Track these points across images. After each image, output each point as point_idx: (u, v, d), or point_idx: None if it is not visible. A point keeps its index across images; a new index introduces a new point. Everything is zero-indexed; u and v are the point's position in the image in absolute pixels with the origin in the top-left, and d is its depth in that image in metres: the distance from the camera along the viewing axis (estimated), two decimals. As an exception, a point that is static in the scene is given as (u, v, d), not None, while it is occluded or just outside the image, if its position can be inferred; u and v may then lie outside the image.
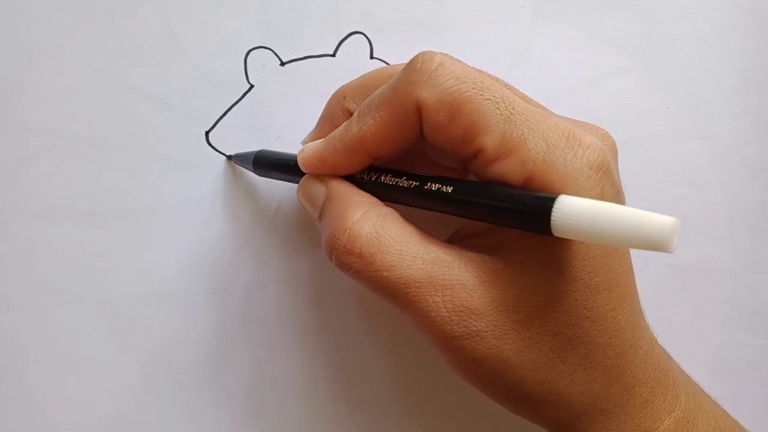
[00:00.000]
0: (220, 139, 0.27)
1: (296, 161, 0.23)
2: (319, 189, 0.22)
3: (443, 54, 0.20)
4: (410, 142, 0.20)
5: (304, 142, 0.24)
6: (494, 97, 0.19)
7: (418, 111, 0.19)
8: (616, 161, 0.21)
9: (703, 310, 0.29)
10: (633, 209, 0.15)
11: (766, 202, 0.29)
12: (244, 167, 0.27)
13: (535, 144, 0.18)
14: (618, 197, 0.20)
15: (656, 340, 0.21)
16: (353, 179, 0.22)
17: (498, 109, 0.19)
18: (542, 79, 0.28)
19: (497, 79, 0.21)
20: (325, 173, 0.22)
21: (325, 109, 0.24)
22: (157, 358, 0.27)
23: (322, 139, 0.22)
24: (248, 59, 0.27)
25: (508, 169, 0.18)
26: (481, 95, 0.19)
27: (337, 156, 0.21)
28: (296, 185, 0.24)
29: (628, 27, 0.29)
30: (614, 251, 0.19)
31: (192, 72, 0.27)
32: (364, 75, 0.23)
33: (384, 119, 0.20)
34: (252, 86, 0.27)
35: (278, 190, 0.27)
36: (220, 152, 0.27)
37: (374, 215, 0.20)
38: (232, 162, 0.27)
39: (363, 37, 0.28)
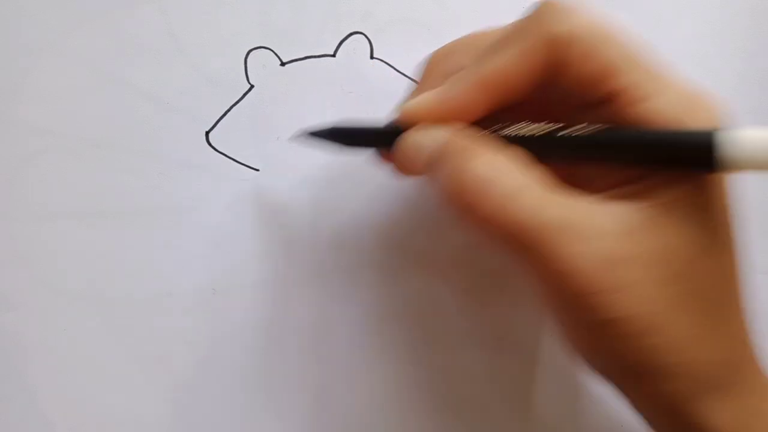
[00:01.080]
0: (220, 139, 0.27)
1: (390, 124, 0.21)
2: (435, 135, 0.20)
3: None
4: (537, 81, 0.19)
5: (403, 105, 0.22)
6: (627, 42, 0.19)
7: (553, 45, 0.18)
8: None
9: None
10: None
11: (766, 202, 0.29)
12: (321, 147, 0.24)
13: (669, 97, 0.18)
14: None
15: None
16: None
17: (632, 54, 0.18)
18: (542, 79, 0.28)
19: None
20: (440, 121, 0.20)
21: (425, 68, 0.23)
22: (157, 358, 0.27)
23: (436, 89, 0.20)
24: (248, 59, 0.27)
25: (645, 114, 0.18)
26: (617, 38, 0.18)
27: (461, 96, 0.20)
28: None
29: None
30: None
31: (192, 72, 0.27)
32: (467, 35, 0.23)
33: (515, 53, 0.19)
34: (252, 86, 0.27)
35: (280, 190, 0.27)
36: (220, 152, 0.27)
37: (505, 156, 0.19)
38: (302, 138, 0.24)
39: (363, 37, 0.28)
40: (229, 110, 0.27)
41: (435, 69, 0.23)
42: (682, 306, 0.17)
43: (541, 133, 0.19)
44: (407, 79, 0.28)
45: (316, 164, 0.27)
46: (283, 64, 0.27)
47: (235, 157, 0.27)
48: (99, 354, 0.27)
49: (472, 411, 0.28)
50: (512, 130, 0.20)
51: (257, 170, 0.27)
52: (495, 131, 0.20)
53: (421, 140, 0.20)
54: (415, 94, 0.22)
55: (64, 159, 0.26)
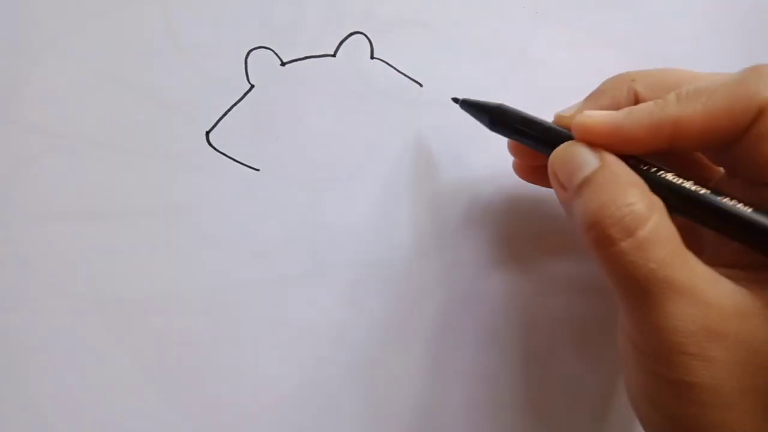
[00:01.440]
0: (220, 139, 0.27)
1: (551, 126, 0.22)
2: (589, 156, 0.20)
3: None
4: (724, 141, 0.20)
5: (567, 113, 0.23)
6: None
7: (757, 113, 0.19)
8: None
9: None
10: None
11: (766, 202, 0.29)
12: (472, 115, 0.25)
13: None
14: None
15: None
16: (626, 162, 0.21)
17: None
18: (542, 79, 0.29)
19: None
20: (605, 145, 0.21)
21: (605, 83, 0.23)
22: (157, 358, 0.27)
23: (615, 111, 0.21)
24: (248, 59, 0.27)
25: None
26: None
27: (637, 130, 0.20)
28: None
29: (628, 27, 0.29)
30: None
31: (192, 72, 0.27)
32: (657, 69, 0.23)
33: (716, 108, 0.19)
34: (252, 86, 0.27)
35: (280, 190, 0.27)
36: (220, 152, 0.27)
37: (657, 203, 0.19)
38: (458, 104, 0.26)
39: (363, 37, 0.28)
40: (229, 110, 0.27)
41: (613, 89, 0.23)
42: (752, 395, 0.18)
43: (693, 189, 0.20)
44: (407, 79, 0.28)
45: (317, 164, 0.27)
46: (283, 64, 0.27)
47: (235, 157, 0.27)
48: (99, 354, 0.27)
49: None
50: (664, 174, 0.20)
51: (257, 170, 0.27)
52: (647, 169, 0.20)
53: (577, 157, 0.21)
54: (585, 106, 0.23)
55: (64, 159, 0.26)
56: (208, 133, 0.27)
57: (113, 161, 0.27)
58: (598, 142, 0.21)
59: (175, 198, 0.27)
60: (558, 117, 0.23)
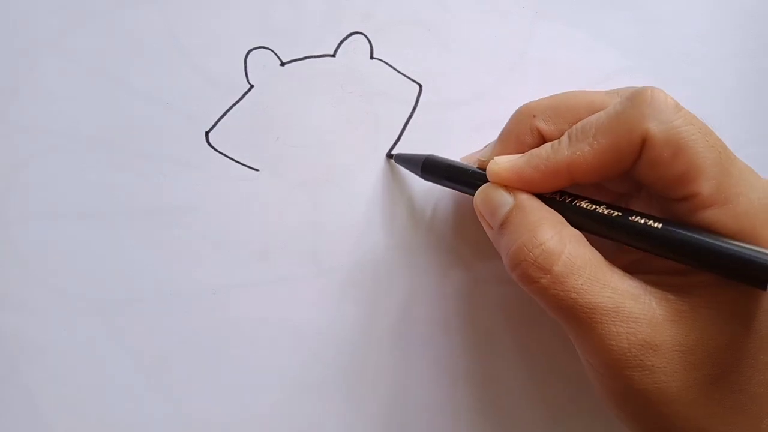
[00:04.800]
0: (220, 139, 0.27)
1: (473, 171, 0.24)
2: (504, 198, 0.22)
3: (669, 95, 0.20)
4: (617, 173, 0.21)
5: (485, 157, 0.24)
6: (716, 145, 0.20)
7: (641, 144, 0.20)
8: None
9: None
10: None
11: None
12: (406, 168, 0.27)
13: (748, 201, 0.19)
14: None
15: None
16: (541, 196, 0.22)
17: (718, 158, 0.19)
18: (542, 79, 0.29)
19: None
20: (515, 188, 0.22)
21: (508, 125, 0.25)
22: (157, 358, 0.27)
23: (519, 155, 0.22)
24: (248, 59, 0.27)
25: (718, 219, 0.19)
26: (706, 140, 0.19)
27: (537, 174, 0.22)
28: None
29: (629, 27, 0.29)
30: None
31: (192, 72, 0.27)
32: (553, 96, 0.24)
33: (603, 147, 0.20)
34: (252, 86, 0.27)
35: (279, 190, 0.27)
36: (220, 152, 0.27)
37: (568, 235, 0.21)
38: (389, 161, 0.27)
39: (363, 37, 0.28)
40: (229, 110, 0.27)
41: (520, 127, 0.24)
42: (702, 387, 0.19)
43: (605, 213, 0.21)
44: (407, 79, 0.28)
45: (316, 164, 0.27)
46: (283, 64, 0.27)
47: (235, 157, 0.27)
48: (99, 354, 0.27)
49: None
50: (585, 204, 0.21)
51: (257, 170, 0.27)
52: (561, 200, 0.22)
53: (494, 199, 0.22)
54: (496, 149, 0.24)
55: (64, 159, 0.26)
56: (207, 133, 0.27)
57: (113, 161, 0.27)
58: (509, 185, 0.22)
59: (175, 198, 0.27)
60: (479, 162, 0.24)
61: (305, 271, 0.27)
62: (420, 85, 0.28)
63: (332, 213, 0.27)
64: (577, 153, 0.21)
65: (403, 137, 0.28)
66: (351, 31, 0.27)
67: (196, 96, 0.27)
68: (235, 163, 0.27)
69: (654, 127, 0.19)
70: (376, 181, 0.28)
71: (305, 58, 0.27)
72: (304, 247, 0.27)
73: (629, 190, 0.24)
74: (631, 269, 0.21)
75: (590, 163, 0.21)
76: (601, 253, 0.21)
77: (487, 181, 0.23)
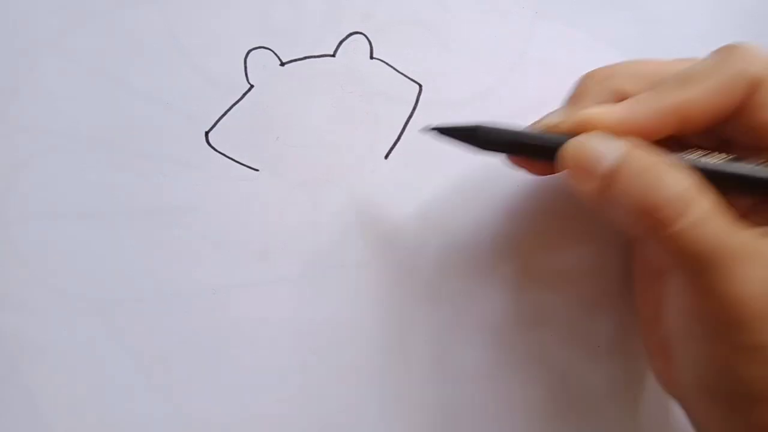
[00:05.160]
0: (220, 139, 0.27)
1: (547, 136, 0.21)
2: (609, 144, 0.20)
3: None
4: (725, 117, 0.20)
5: (554, 121, 0.22)
6: None
7: (749, 87, 0.20)
8: None
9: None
10: None
11: (766, 202, 0.29)
12: (450, 141, 0.24)
13: None
14: None
15: None
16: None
17: None
18: (542, 79, 0.29)
19: None
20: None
21: (580, 88, 0.23)
22: (157, 358, 0.27)
23: (615, 105, 0.21)
24: (248, 59, 0.27)
25: None
26: None
27: (644, 120, 0.20)
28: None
29: (628, 27, 0.29)
30: None
31: (192, 72, 0.27)
32: (626, 63, 0.23)
33: (712, 87, 0.20)
34: (252, 86, 0.27)
35: (279, 190, 0.27)
36: (220, 152, 0.27)
37: (696, 180, 0.19)
38: (433, 133, 0.24)
39: (363, 37, 0.28)
40: (229, 110, 0.27)
41: (594, 88, 0.23)
42: None
43: (719, 163, 0.20)
44: (407, 79, 0.28)
45: (316, 164, 0.27)
46: (283, 64, 0.27)
47: (235, 157, 0.27)
48: (99, 354, 0.27)
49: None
50: (690, 156, 0.20)
51: (257, 170, 0.27)
52: (673, 154, 0.20)
53: (601, 148, 0.20)
54: (569, 109, 0.22)
55: (64, 159, 0.26)
56: (207, 133, 0.27)
57: (113, 161, 0.27)
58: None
59: (175, 198, 0.27)
60: (547, 127, 0.22)
61: (305, 271, 0.27)
62: (420, 85, 0.28)
63: (332, 213, 0.27)
64: (689, 94, 0.20)
65: (403, 137, 0.28)
66: (351, 31, 0.27)
67: (196, 96, 0.27)
68: (235, 163, 0.27)
69: (763, 71, 0.19)
70: (376, 181, 0.28)
71: (305, 58, 0.27)
72: (304, 247, 0.27)
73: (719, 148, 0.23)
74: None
75: (702, 105, 0.20)
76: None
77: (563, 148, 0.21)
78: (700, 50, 0.29)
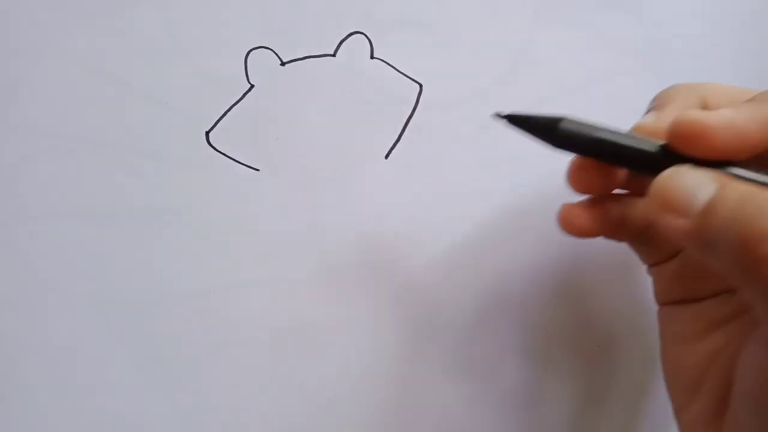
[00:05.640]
0: (220, 139, 0.27)
1: (641, 139, 0.20)
2: (702, 177, 0.18)
3: None
4: None
5: (648, 125, 0.21)
6: None
7: None
8: None
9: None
10: None
11: (766, 202, 0.29)
12: (523, 133, 0.22)
13: None
14: None
15: None
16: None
17: None
18: (542, 79, 0.29)
19: None
20: (719, 148, 0.19)
21: (671, 95, 0.22)
22: (157, 358, 0.27)
23: (718, 110, 0.19)
24: (248, 59, 0.27)
25: None
26: None
27: (752, 127, 0.18)
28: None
29: (628, 27, 0.29)
30: None
31: (192, 72, 0.27)
32: (722, 85, 0.22)
33: None
34: (252, 86, 0.27)
35: (280, 190, 0.27)
36: (220, 152, 0.27)
37: None
38: (503, 119, 0.22)
39: (363, 37, 0.28)
40: (229, 110, 0.27)
41: (680, 94, 0.21)
42: None
43: None
44: (407, 79, 0.28)
45: (317, 164, 0.27)
46: (283, 64, 0.27)
47: (235, 157, 0.27)
48: (98, 354, 0.27)
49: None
50: None
51: (257, 170, 0.27)
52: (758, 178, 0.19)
53: (689, 180, 0.18)
54: (660, 113, 0.21)
55: (64, 159, 0.26)
56: (208, 133, 0.27)
57: (113, 161, 0.27)
58: (709, 144, 0.19)
59: (175, 198, 0.27)
60: (639, 127, 0.21)
61: (305, 271, 0.27)
62: (420, 85, 0.28)
63: (332, 213, 0.27)
64: None
65: (403, 137, 0.28)
66: (351, 31, 0.27)
67: (196, 96, 0.27)
68: (235, 163, 0.27)
69: None
70: (376, 181, 0.28)
71: (305, 57, 0.27)
72: (304, 247, 0.27)
73: None
74: None
75: None
76: None
77: (660, 152, 0.19)
78: (700, 50, 0.29)
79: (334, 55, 0.27)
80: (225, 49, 0.27)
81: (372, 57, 0.28)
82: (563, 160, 0.22)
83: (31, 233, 0.26)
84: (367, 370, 0.28)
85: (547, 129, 0.21)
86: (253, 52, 0.27)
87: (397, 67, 0.28)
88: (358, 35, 0.27)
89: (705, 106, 0.21)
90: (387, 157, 0.28)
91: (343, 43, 0.27)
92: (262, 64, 0.27)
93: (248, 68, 0.27)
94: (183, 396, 0.27)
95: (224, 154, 0.27)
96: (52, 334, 0.26)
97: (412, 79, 0.28)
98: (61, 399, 0.27)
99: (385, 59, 0.28)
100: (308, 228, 0.27)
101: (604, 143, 0.20)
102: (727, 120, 0.18)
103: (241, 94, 0.27)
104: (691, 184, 0.18)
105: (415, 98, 0.28)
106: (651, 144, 0.19)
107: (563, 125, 0.20)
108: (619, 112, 0.28)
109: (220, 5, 0.27)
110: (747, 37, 0.29)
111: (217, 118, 0.27)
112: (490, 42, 0.28)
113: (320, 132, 0.27)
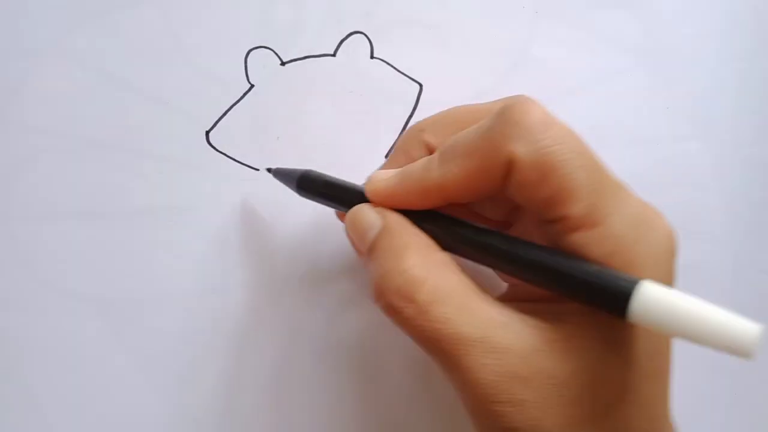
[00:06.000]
0: (220, 139, 0.27)
1: (347, 187, 0.23)
2: (373, 219, 0.21)
3: (541, 108, 0.19)
4: (490, 193, 0.20)
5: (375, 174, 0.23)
6: (587, 164, 0.18)
7: (508, 165, 0.18)
8: None
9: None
10: (716, 308, 0.15)
11: (766, 202, 0.29)
12: (284, 183, 0.25)
13: (620, 221, 0.18)
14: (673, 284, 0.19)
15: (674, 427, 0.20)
16: (417, 215, 0.21)
17: (589, 178, 0.18)
18: (542, 79, 0.29)
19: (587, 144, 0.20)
20: (392, 206, 0.21)
21: (399, 141, 0.24)
22: (157, 358, 0.27)
23: (395, 172, 0.21)
24: (248, 59, 0.27)
25: (588, 241, 0.18)
26: (577, 160, 0.18)
27: (410, 196, 0.21)
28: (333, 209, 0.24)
29: (628, 27, 0.29)
30: (669, 338, 0.19)
31: (192, 72, 0.27)
32: (444, 111, 0.23)
33: (470, 168, 0.19)
34: (252, 86, 0.27)
35: (279, 189, 0.27)
36: (220, 152, 0.27)
37: (434, 261, 0.19)
38: (271, 173, 0.26)
39: (363, 37, 0.28)
40: (229, 110, 0.27)
41: (410, 142, 0.23)
42: (580, 425, 0.18)
43: (469, 235, 0.20)
44: (407, 78, 0.28)
45: (316, 164, 0.27)
46: (283, 64, 0.27)
47: (235, 157, 0.27)
48: (99, 354, 0.27)
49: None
50: (456, 227, 0.20)
51: (257, 170, 0.27)
52: (437, 222, 0.21)
53: (363, 220, 0.21)
54: (386, 164, 0.24)
55: (64, 159, 0.26)
56: (208, 133, 0.27)
57: (113, 161, 0.27)
58: (386, 204, 0.21)
59: (175, 198, 0.27)
60: (367, 179, 0.23)
61: (305, 271, 0.27)
62: (420, 85, 0.28)
63: (332, 213, 0.27)
64: (447, 175, 0.20)
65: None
66: (351, 30, 0.27)
67: (197, 96, 0.27)
68: (235, 162, 0.27)
69: (520, 149, 0.18)
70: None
71: (305, 57, 0.27)
72: (304, 248, 0.27)
73: (510, 215, 0.23)
74: (508, 296, 0.20)
75: (460, 184, 0.19)
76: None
77: (363, 199, 0.22)
78: (701, 50, 0.29)
79: (334, 55, 0.27)
80: (225, 48, 0.27)
81: (372, 57, 0.28)
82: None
83: (31, 233, 0.26)
84: (368, 371, 0.28)
85: (293, 177, 0.24)
86: (253, 52, 0.27)
87: (397, 67, 0.28)
88: (358, 35, 0.27)
89: (429, 148, 0.22)
90: (387, 156, 0.28)
91: (343, 43, 0.27)
92: (262, 64, 0.27)
93: (248, 68, 0.27)
94: (183, 396, 0.27)
95: (224, 154, 0.27)
96: (52, 333, 0.27)
97: (412, 79, 0.28)
98: (62, 398, 0.27)
99: (385, 59, 0.28)
100: (308, 228, 0.27)
101: (330, 191, 0.23)
102: (390, 193, 0.21)
103: (242, 94, 0.27)
104: (365, 221, 0.21)
105: (415, 98, 0.28)
106: (359, 189, 0.22)
107: (306, 174, 0.24)
108: (618, 112, 0.29)
109: (220, 5, 0.27)
110: (747, 37, 0.29)
111: (218, 117, 0.27)
112: (490, 42, 0.28)
113: (320, 132, 0.27)
